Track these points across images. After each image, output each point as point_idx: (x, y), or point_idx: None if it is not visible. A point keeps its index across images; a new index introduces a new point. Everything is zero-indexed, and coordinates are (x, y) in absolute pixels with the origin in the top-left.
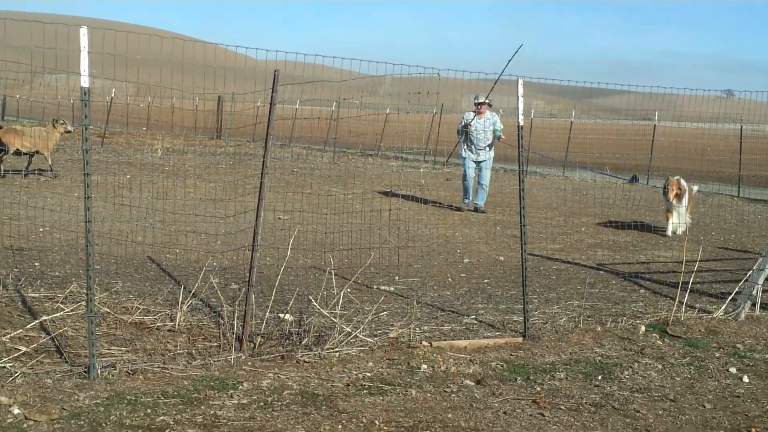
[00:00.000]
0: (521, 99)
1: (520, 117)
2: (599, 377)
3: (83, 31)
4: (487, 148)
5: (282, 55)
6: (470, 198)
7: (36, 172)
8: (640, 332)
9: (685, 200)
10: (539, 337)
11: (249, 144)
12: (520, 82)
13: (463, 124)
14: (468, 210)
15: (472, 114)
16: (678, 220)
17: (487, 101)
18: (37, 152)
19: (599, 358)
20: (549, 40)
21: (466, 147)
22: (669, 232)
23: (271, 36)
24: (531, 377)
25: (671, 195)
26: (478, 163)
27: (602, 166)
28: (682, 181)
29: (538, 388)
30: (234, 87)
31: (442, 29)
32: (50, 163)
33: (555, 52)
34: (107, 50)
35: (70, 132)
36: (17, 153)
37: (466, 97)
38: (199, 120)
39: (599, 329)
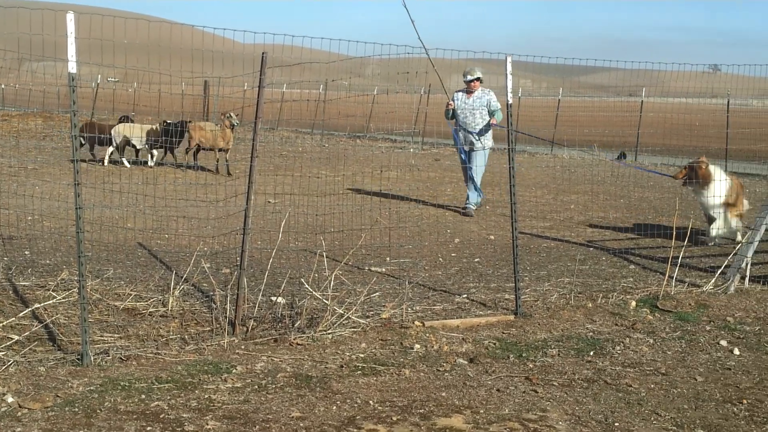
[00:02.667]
0: (510, 77)
1: (509, 95)
2: (591, 353)
3: (70, 16)
4: (479, 133)
5: (269, 37)
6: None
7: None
8: (631, 307)
9: (715, 190)
10: (531, 314)
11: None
12: (509, 59)
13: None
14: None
15: (460, 93)
16: (718, 224)
17: (478, 77)
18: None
19: (591, 334)
20: (542, 17)
21: (456, 132)
22: (711, 236)
23: (258, 19)
24: (523, 354)
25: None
26: (469, 152)
27: (590, 144)
28: (710, 167)
29: (531, 365)
30: (222, 71)
31: (431, 5)
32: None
33: (546, 29)
34: (94, 36)
35: (235, 126)
36: (200, 149)
37: (454, 77)
38: (186, 104)
39: (590, 305)
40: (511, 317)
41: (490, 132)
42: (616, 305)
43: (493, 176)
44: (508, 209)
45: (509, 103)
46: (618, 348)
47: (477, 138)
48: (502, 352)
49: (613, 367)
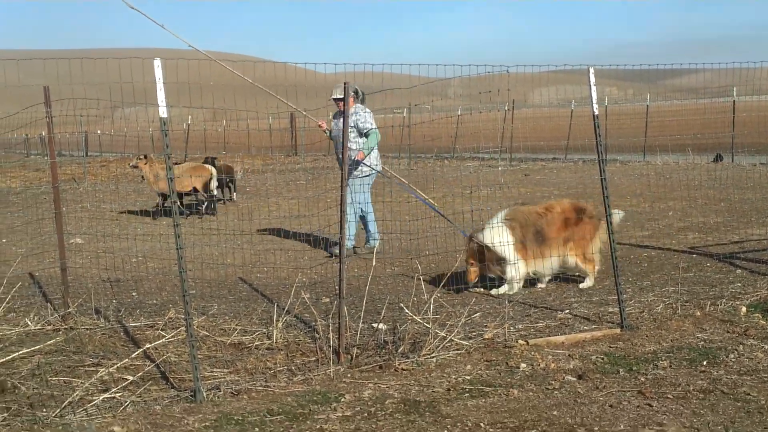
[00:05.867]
0: (594, 88)
1: (595, 106)
2: (704, 362)
3: (157, 63)
4: (350, 160)
5: (350, 67)
6: (363, 237)
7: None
8: (742, 313)
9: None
10: (637, 326)
11: (325, 158)
12: (591, 70)
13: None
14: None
15: (337, 118)
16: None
17: (340, 97)
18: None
19: (702, 343)
20: (625, 22)
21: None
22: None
23: (338, 48)
24: (633, 368)
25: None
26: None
27: (684, 148)
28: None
29: (642, 379)
30: (306, 103)
31: (508, 21)
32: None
33: (630, 34)
34: (181, 79)
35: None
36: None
37: (536, 91)
38: (274, 139)
39: (699, 314)
40: (617, 330)
41: (364, 161)
42: (725, 312)
43: (584, 188)
44: (602, 219)
45: (596, 114)
46: (732, 356)
47: (350, 166)
48: (611, 367)
49: (728, 375)
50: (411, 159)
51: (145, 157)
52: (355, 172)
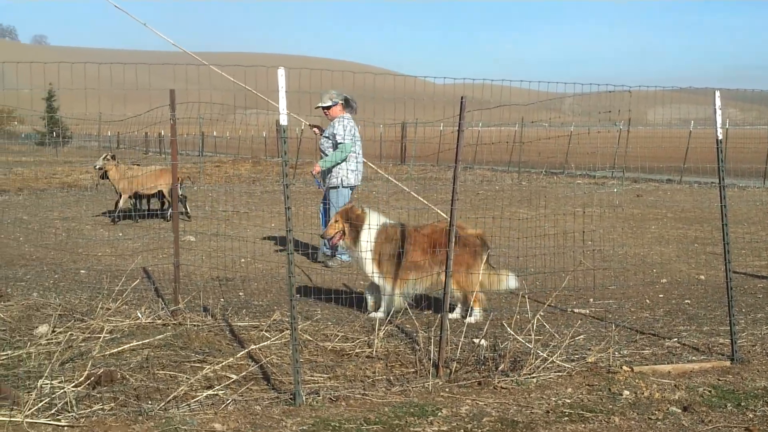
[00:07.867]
0: (719, 111)
1: (719, 130)
2: None
3: (281, 72)
4: (330, 171)
5: (469, 81)
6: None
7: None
8: None
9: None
10: (748, 360)
11: (433, 168)
12: (717, 94)
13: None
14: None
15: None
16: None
17: (332, 102)
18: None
19: None
20: (753, 44)
21: None
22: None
23: (456, 59)
24: (742, 403)
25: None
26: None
27: None
28: (357, 210)
29: (751, 415)
30: (423, 114)
31: (634, 38)
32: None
33: (753, 56)
34: (303, 86)
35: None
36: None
37: (659, 109)
38: (384, 148)
39: None
40: (727, 363)
41: (339, 168)
42: None
43: (701, 212)
44: (717, 247)
45: (719, 138)
46: None
47: (326, 174)
48: (719, 401)
49: None
50: (521, 173)
51: (113, 158)
52: (331, 181)
